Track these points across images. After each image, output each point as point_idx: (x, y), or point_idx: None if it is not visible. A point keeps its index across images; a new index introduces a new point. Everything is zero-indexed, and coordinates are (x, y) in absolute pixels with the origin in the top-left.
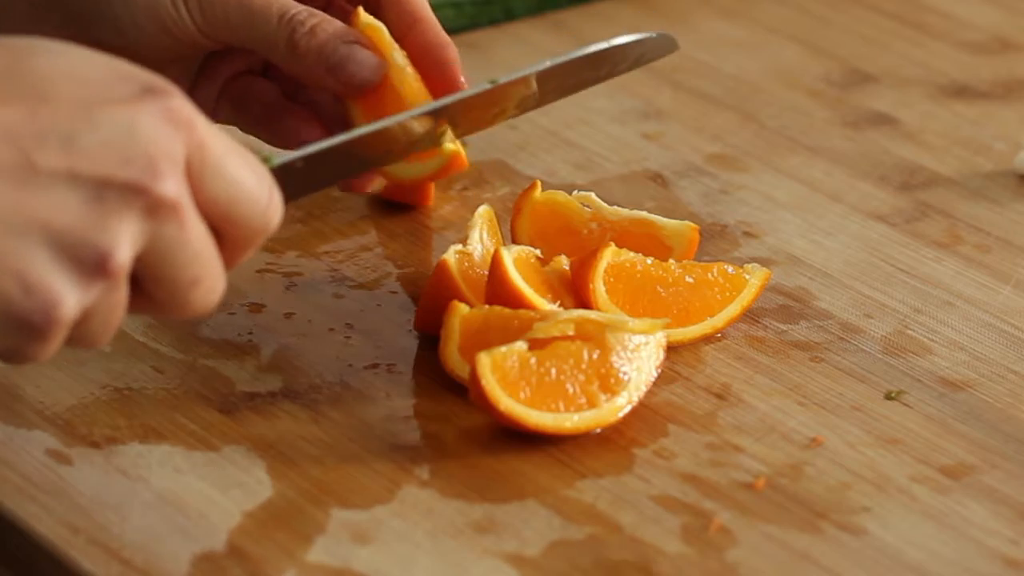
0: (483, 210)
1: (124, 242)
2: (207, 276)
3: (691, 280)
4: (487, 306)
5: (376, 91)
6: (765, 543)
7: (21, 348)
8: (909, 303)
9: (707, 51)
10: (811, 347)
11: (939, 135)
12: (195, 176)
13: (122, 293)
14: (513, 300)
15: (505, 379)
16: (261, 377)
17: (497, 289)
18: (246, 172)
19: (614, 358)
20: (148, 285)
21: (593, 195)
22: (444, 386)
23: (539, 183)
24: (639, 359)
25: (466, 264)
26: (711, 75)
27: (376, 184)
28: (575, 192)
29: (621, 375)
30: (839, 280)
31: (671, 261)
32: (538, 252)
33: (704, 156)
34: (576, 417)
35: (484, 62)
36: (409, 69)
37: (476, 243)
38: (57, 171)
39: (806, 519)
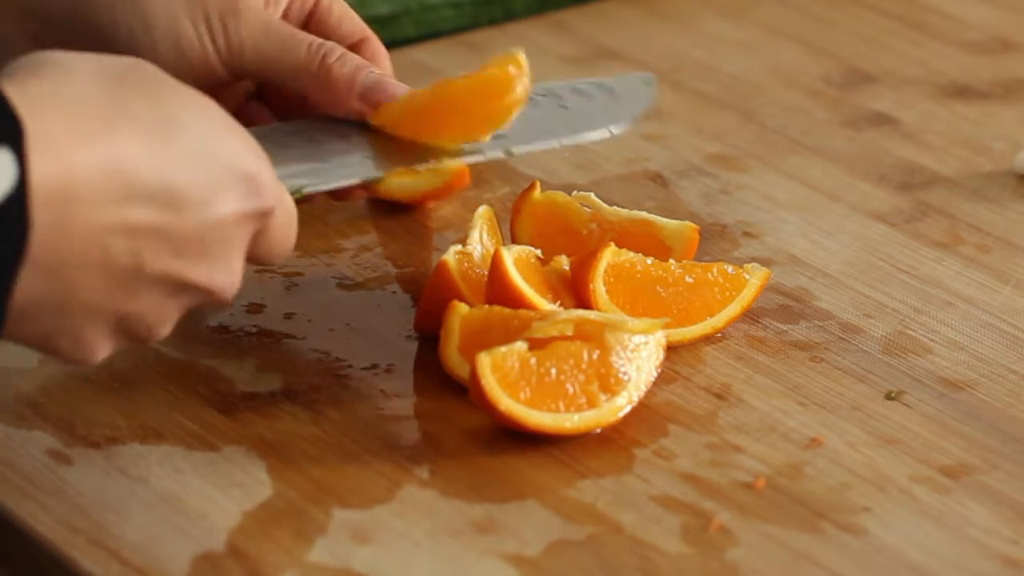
0: (483, 210)
1: (171, 322)
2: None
3: (691, 280)
4: (487, 306)
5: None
6: (765, 543)
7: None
8: (909, 303)
9: (707, 51)
10: (811, 347)
11: (939, 135)
12: (253, 239)
13: None
14: (513, 300)
15: (505, 379)
16: (261, 377)
17: (497, 289)
18: (290, 240)
19: (614, 358)
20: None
21: (592, 195)
22: (444, 386)
23: (538, 183)
24: (639, 359)
25: (466, 264)
26: (711, 75)
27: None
28: (575, 192)
29: (621, 375)
30: (839, 280)
31: (671, 261)
32: (538, 252)
33: (704, 156)
34: (576, 417)
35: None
36: None
37: (476, 243)
38: (156, 276)
39: (806, 519)
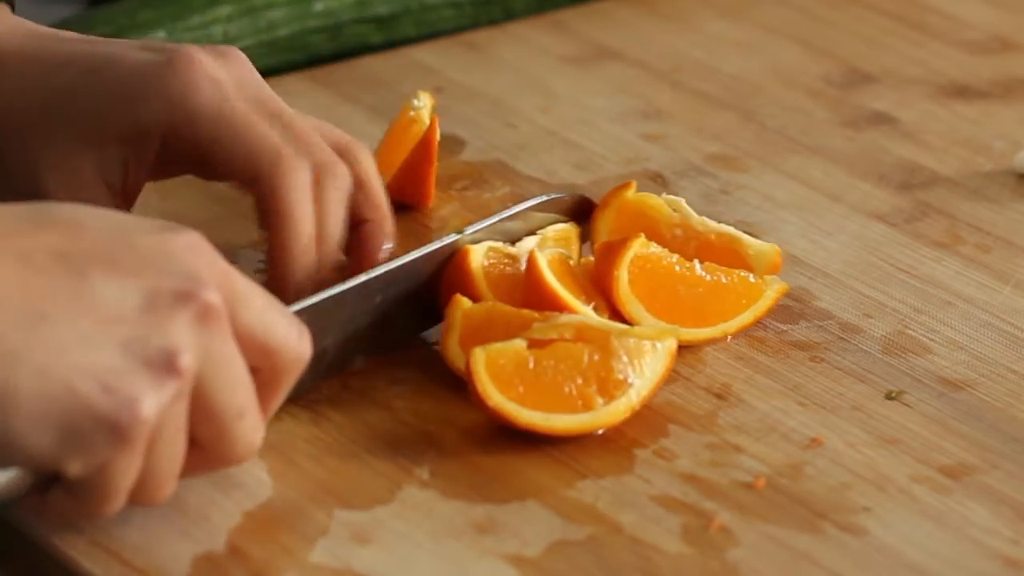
0: (560, 228)
1: (184, 344)
2: (250, 410)
3: (711, 282)
4: (489, 302)
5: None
6: (765, 543)
7: (107, 462)
8: (909, 303)
9: (707, 51)
10: (811, 347)
11: (939, 135)
12: (228, 304)
13: (184, 418)
14: (549, 302)
15: (498, 375)
16: None
17: (533, 291)
18: (272, 302)
19: (615, 362)
20: (197, 424)
21: (683, 201)
22: (444, 386)
23: (634, 184)
24: (643, 364)
25: (491, 260)
26: (711, 75)
27: None
28: (664, 195)
29: (621, 379)
30: (839, 280)
31: (695, 261)
32: (570, 254)
33: (704, 156)
34: (569, 418)
35: (484, 62)
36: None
37: (527, 249)
38: (109, 284)
39: (806, 519)
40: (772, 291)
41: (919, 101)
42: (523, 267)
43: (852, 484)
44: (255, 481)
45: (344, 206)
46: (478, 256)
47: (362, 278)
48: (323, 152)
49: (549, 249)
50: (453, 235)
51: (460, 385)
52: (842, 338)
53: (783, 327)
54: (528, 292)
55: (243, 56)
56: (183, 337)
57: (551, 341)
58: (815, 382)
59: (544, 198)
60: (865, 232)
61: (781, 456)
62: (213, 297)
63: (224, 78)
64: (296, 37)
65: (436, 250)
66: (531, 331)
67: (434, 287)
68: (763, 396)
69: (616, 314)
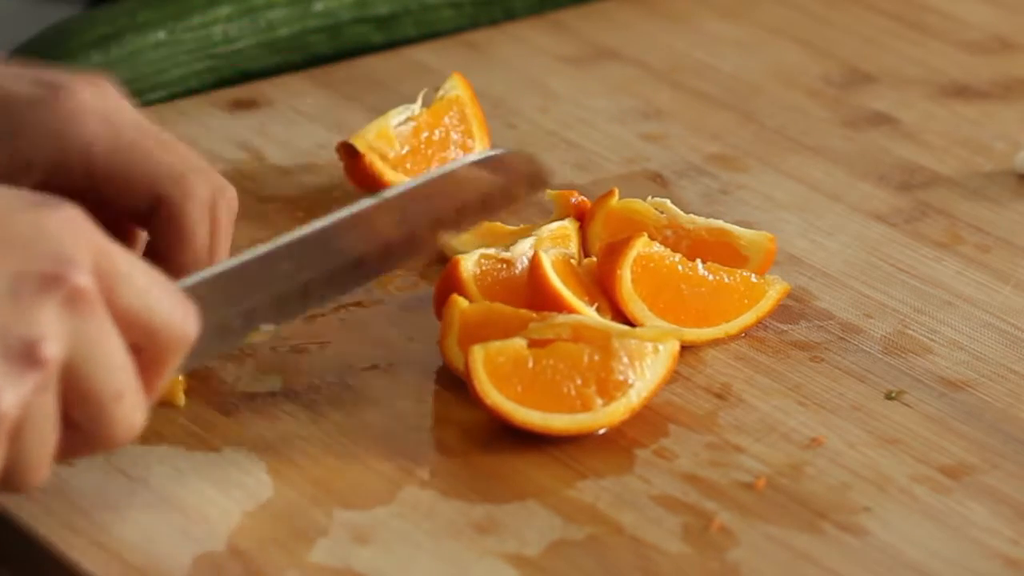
0: (556, 227)
1: (49, 332)
2: (129, 391)
3: (714, 283)
4: (487, 302)
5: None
6: (765, 543)
7: None
8: (909, 303)
9: (707, 51)
10: (811, 347)
11: (939, 135)
12: (106, 284)
13: (53, 405)
14: (552, 303)
15: (496, 373)
16: (261, 377)
17: (536, 292)
18: (156, 280)
19: (615, 363)
20: (72, 407)
21: (668, 202)
22: (444, 386)
23: (616, 191)
24: (643, 366)
25: (483, 267)
26: (711, 75)
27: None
28: (650, 198)
29: (621, 380)
30: (839, 280)
31: (697, 261)
32: (572, 253)
33: (704, 156)
34: (567, 418)
35: (484, 62)
36: None
37: (524, 252)
38: None
39: (806, 519)
40: (774, 291)
41: (919, 101)
42: (518, 270)
43: (852, 484)
44: (255, 481)
45: (232, 228)
46: (468, 264)
47: (263, 249)
48: (213, 174)
49: (552, 249)
50: (368, 200)
51: (460, 385)
52: (842, 338)
53: (783, 327)
54: (532, 293)
55: (115, 86)
56: (49, 326)
57: (551, 341)
58: (815, 382)
59: (480, 156)
60: (865, 232)
61: (781, 456)
62: (83, 280)
63: (111, 108)
64: (296, 37)
65: (349, 216)
66: (528, 331)
67: (350, 253)
68: (763, 396)
69: (619, 314)
